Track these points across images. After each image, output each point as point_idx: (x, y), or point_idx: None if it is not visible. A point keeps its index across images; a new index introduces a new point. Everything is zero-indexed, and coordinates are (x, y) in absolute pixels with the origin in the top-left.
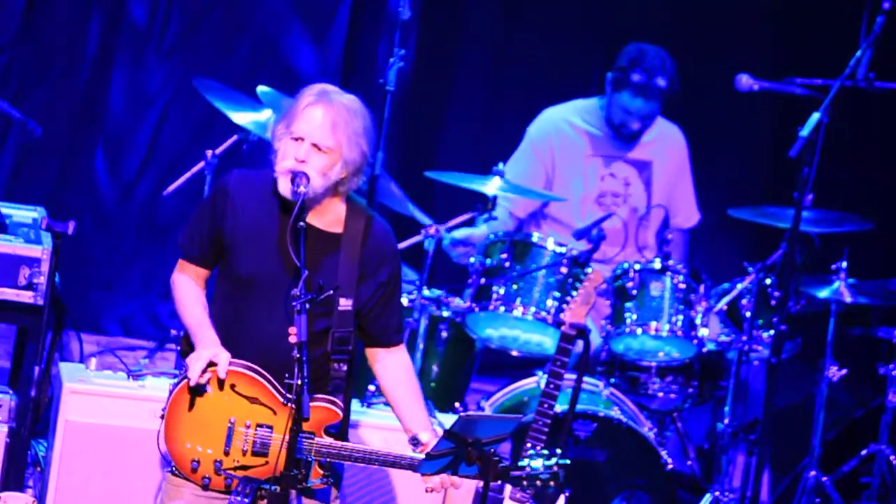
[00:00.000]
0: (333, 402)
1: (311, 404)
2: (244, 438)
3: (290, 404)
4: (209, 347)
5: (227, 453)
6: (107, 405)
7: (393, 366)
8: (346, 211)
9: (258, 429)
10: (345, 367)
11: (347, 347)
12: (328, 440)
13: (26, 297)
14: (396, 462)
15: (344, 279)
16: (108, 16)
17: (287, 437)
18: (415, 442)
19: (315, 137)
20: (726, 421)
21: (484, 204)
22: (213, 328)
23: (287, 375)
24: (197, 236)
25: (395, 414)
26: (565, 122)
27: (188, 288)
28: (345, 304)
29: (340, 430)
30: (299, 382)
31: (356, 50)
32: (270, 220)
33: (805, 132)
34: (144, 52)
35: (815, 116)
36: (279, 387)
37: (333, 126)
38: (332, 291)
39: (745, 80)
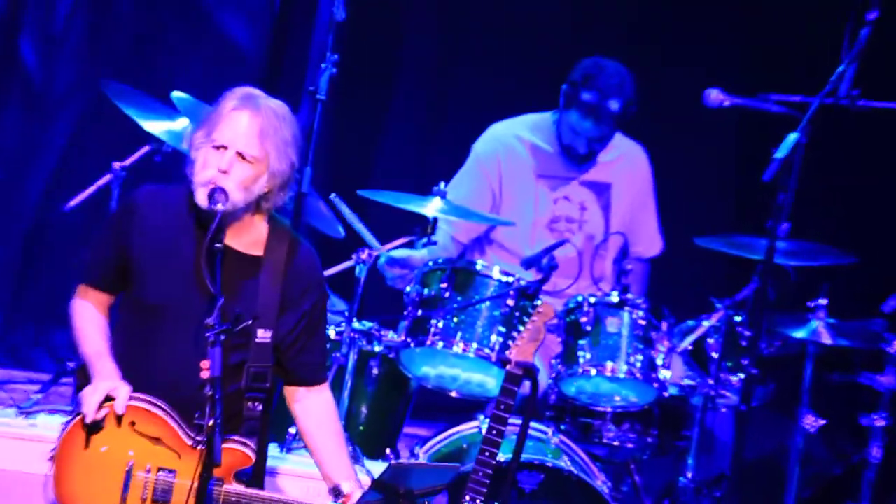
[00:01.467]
0: (245, 444)
1: (225, 447)
2: (143, 484)
3: (199, 447)
4: (107, 379)
5: (124, 501)
6: None
7: (314, 406)
8: (268, 231)
9: (160, 473)
10: (260, 407)
11: (264, 385)
12: (238, 487)
13: None
14: None
15: (263, 308)
16: (7, 10)
17: (195, 484)
18: (336, 493)
19: (240, 145)
20: (689, 475)
21: (423, 227)
22: (113, 359)
23: (197, 415)
24: (100, 258)
25: (315, 460)
26: (515, 138)
27: (88, 315)
28: (263, 335)
29: (254, 475)
30: (211, 423)
31: (284, 53)
32: (185, 241)
33: (781, 154)
34: (50, 52)
35: (793, 137)
36: (186, 427)
37: (261, 133)
38: (250, 322)
39: (714, 96)
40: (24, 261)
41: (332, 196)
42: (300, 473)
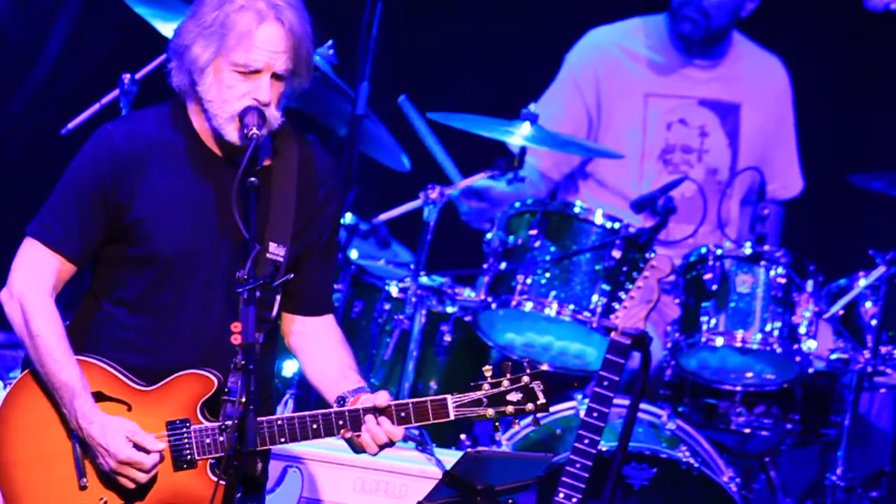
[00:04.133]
0: (208, 370)
1: (177, 375)
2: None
3: (150, 387)
4: (116, 434)
5: (83, 488)
6: None
7: (320, 332)
8: (271, 135)
9: None
10: (262, 338)
11: (270, 313)
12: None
13: None
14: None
15: (276, 221)
16: None
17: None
18: (341, 401)
19: (277, 66)
20: (839, 471)
21: (508, 160)
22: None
23: (226, 391)
24: (80, 226)
25: (319, 386)
26: (617, 46)
27: (50, 318)
28: (275, 251)
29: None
30: (244, 400)
31: None
32: (190, 176)
33: None
34: None
35: None
36: (126, 371)
37: (293, 45)
38: (291, 276)
39: None
40: (4, 199)
41: (401, 98)
42: (344, 462)
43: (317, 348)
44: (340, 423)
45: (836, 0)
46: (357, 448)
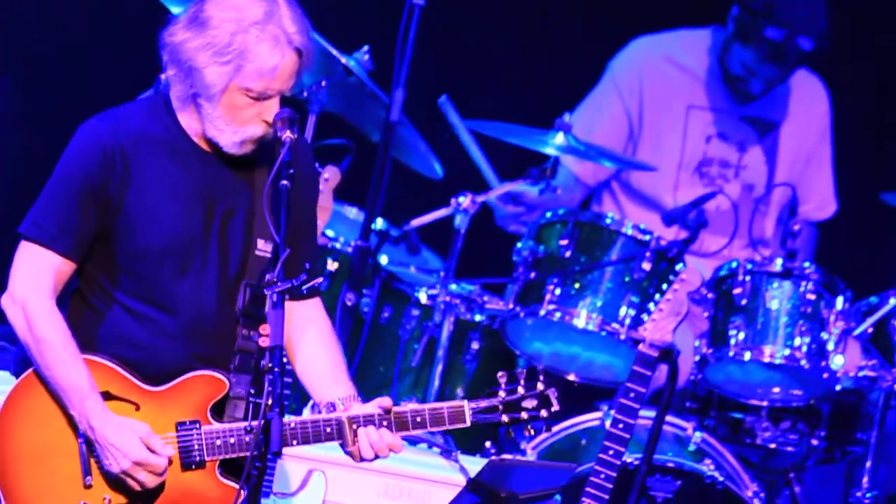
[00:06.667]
0: (218, 372)
1: (188, 377)
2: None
3: (160, 387)
4: (130, 435)
5: (88, 486)
6: None
7: (305, 317)
8: None
9: None
10: (257, 338)
11: (263, 310)
12: (219, 426)
13: None
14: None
15: (262, 215)
16: None
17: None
18: (331, 408)
19: (288, 89)
20: (864, 488)
21: (541, 169)
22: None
23: (252, 391)
24: (68, 216)
25: (307, 380)
26: (662, 56)
27: (54, 321)
28: (263, 247)
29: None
30: (269, 403)
31: None
32: (181, 172)
33: None
34: None
35: None
36: (133, 371)
37: (305, 64)
38: (319, 280)
39: None
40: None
41: (442, 99)
42: (370, 470)
43: (305, 338)
44: (355, 426)
45: (873, 20)
46: (354, 456)
